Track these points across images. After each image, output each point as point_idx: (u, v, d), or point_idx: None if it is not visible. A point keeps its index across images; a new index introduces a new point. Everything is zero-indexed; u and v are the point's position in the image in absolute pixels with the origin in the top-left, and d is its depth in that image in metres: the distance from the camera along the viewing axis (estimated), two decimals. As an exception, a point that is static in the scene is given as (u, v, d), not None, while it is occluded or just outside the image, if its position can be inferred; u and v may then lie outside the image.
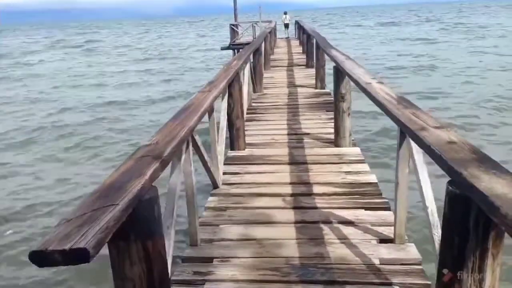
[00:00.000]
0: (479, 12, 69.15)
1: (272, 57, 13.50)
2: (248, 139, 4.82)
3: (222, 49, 22.92)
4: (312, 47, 10.53)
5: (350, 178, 3.60)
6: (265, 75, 10.11)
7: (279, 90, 8.11)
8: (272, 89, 8.21)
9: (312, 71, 9.92)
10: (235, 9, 24.15)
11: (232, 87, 4.27)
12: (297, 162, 4.08)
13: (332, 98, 7.10)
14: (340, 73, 4.22)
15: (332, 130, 4.69)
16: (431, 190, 2.08)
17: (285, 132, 5.16)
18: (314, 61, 8.41)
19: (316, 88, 7.93)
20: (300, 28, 18.14)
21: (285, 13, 25.42)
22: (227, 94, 4.14)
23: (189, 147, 2.43)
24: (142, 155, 1.62)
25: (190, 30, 63.69)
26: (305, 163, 4.04)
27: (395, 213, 2.53)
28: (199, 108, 2.53)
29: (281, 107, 6.58)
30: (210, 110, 3.26)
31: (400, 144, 2.34)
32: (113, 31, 75.12)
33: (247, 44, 19.45)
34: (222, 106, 4.03)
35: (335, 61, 4.48)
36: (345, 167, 3.87)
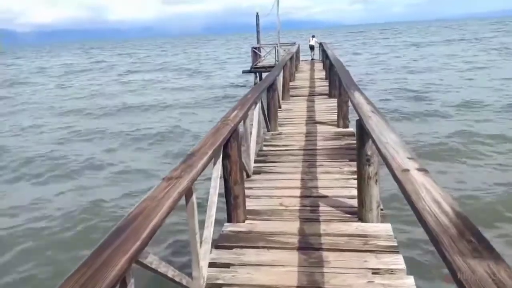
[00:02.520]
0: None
1: (292, 83, 12.72)
2: (251, 203, 3.97)
3: (244, 72, 22.40)
4: (335, 76, 9.66)
5: (379, 283, 2.64)
6: (283, 106, 9.31)
7: (296, 128, 7.23)
8: (288, 126, 7.34)
9: (335, 102, 9.02)
10: (257, 31, 23.66)
11: (228, 146, 3.45)
12: (308, 247, 3.16)
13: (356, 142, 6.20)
14: (364, 132, 3.31)
15: (356, 192, 3.76)
16: None
17: (298, 193, 4.25)
18: (337, 95, 7.51)
19: (338, 126, 7.01)
20: (323, 51, 17.31)
21: (313, 36, 24.78)
22: (221, 157, 3.31)
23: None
24: None
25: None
26: (319, 249, 3.11)
27: None
28: (147, 224, 1.68)
29: (296, 153, 5.69)
30: (189, 193, 2.43)
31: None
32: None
33: (269, 67, 18.87)
34: (213, 173, 3.18)
35: (358, 112, 3.58)
36: (372, 260, 2.91)
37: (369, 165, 3.42)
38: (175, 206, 1.99)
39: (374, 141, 2.74)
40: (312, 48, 24.18)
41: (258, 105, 5.63)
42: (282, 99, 9.80)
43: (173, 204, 1.89)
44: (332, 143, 6.10)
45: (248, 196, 4.17)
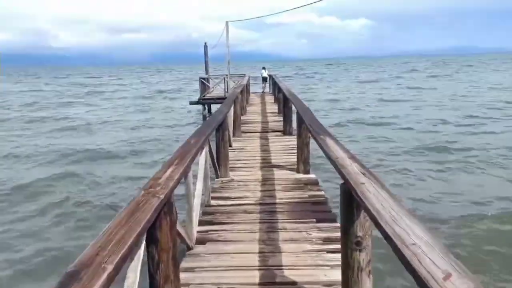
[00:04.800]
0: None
1: (244, 118, 11.80)
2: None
3: (191, 103, 21.24)
4: (290, 112, 8.90)
5: None
6: (234, 144, 8.27)
7: (250, 173, 6.17)
8: (241, 172, 6.26)
9: (291, 140, 8.22)
10: (206, 62, 22.86)
11: (156, 226, 2.27)
12: None
13: (322, 193, 5.25)
14: (353, 202, 2.31)
15: (337, 274, 2.73)
16: None
17: (256, 278, 3.11)
18: (296, 136, 6.61)
19: (298, 171, 6.06)
20: (274, 84, 16.77)
21: (264, 68, 24.57)
22: (143, 245, 2.12)
23: None
24: None
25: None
26: None
27: None
28: None
29: (252, 210, 4.59)
30: None
31: None
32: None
33: (218, 98, 17.90)
34: (127, 278, 1.97)
35: (341, 173, 2.58)
36: None
37: (359, 250, 2.40)
38: None
39: (386, 235, 1.72)
40: (265, 79, 23.84)
41: (205, 150, 4.51)
42: (233, 135, 8.78)
43: None
44: (294, 194, 5.10)
45: (188, 285, 2.98)
